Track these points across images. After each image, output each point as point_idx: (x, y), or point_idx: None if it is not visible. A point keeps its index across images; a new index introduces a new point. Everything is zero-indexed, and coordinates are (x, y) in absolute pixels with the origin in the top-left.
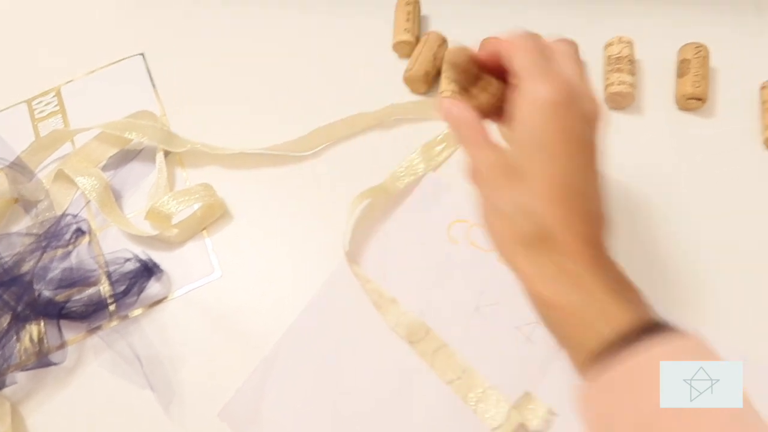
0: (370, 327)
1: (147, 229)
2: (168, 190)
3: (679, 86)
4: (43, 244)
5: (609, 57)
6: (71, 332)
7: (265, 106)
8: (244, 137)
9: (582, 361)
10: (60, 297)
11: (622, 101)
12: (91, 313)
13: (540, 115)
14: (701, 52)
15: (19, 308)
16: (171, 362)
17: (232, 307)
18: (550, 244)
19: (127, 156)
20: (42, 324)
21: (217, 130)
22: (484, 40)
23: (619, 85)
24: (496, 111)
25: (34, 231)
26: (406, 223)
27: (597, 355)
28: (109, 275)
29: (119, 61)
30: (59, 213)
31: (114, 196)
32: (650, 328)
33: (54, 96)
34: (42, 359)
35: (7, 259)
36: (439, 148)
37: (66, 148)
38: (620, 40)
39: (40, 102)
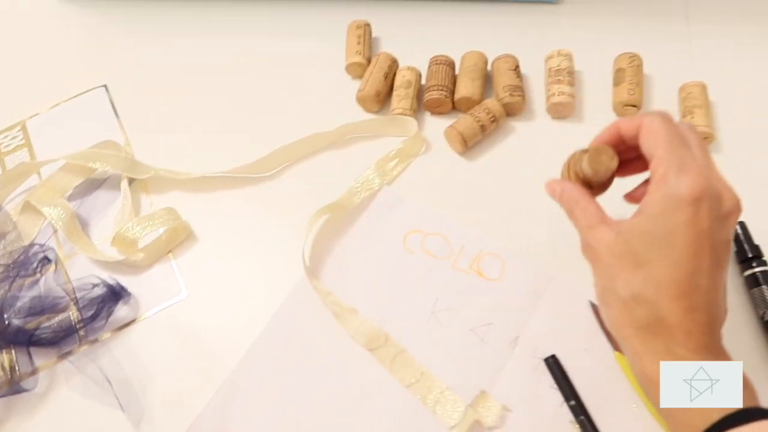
0: (331, 338)
1: (114, 254)
2: (133, 216)
3: (615, 94)
4: (12, 274)
5: (549, 69)
6: (42, 358)
7: (225, 130)
8: (206, 161)
9: None
10: (30, 325)
11: (563, 110)
12: (61, 339)
13: (674, 211)
14: (635, 61)
15: None
16: (140, 383)
17: (199, 326)
18: (663, 330)
19: (92, 185)
20: (13, 352)
21: (179, 155)
22: (620, 122)
23: (559, 95)
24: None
25: (3, 262)
26: (364, 235)
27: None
28: (77, 301)
29: (83, 93)
30: (27, 243)
31: (81, 224)
32: (756, 412)
33: (19, 130)
34: (14, 386)
35: None
36: (392, 163)
37: (33, 179)
38: (559, 53)
39: (6, 136)
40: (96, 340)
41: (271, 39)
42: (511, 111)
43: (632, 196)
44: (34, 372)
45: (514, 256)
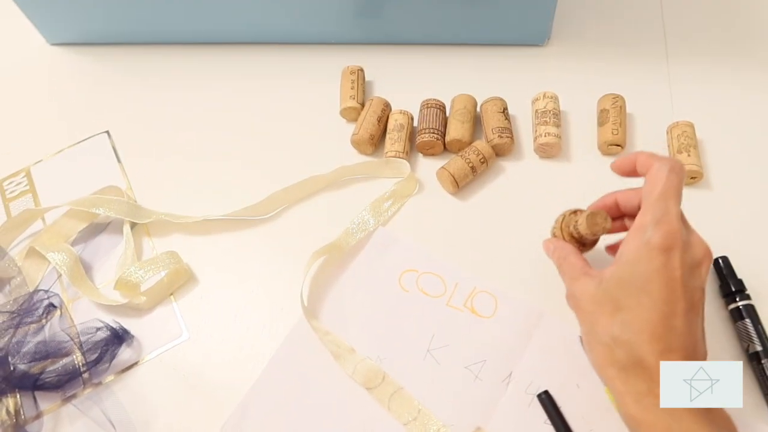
0: (330, 378)
1: (117, 297)
2: (135, 259)
3: (600, 134)
4: (17, 320)
5: (536, 111)
6: (46, 402)
7: (224, 173)
8: (206, 204)
9: None
10: (35, 369)
11: (551, 151)
12: (65, 383)
13: (648, 259)
14: (618, 102)
15: None
16: (144, 425)
17: (201, 367)
18: (642, 370)
19: (96, 229)
20: (18, 396)
21: (180, 198)
22: (617, 194)
23: (545, 136)
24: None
25: (8, 308)
26: (360, 275)
27: None
28: (81, 345)
29: (86, 139)
30: (32, 288)
31: (84, 269)
32: None
33: (24, 176)
34: (19, 430)
35: None
36: (386, 204)
37: (37, 225)
38: (545, 96)
39: (11, 182)
40: (100, 383)
41: (268, 84)
42: (500, 152)
43: (614, 249)
44: (38, 416)
45: (506, 293)
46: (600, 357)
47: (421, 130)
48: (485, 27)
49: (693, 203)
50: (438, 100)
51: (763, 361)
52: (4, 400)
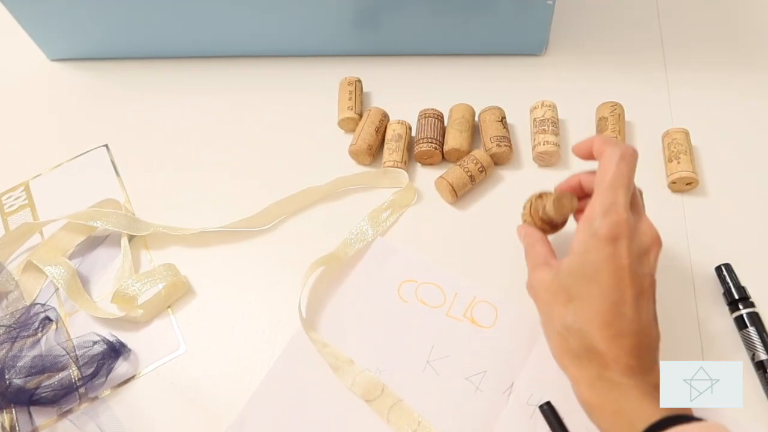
0: (329, 390)
1: (114, 311)
2: (133, 272)
3: None
4: (13, 334)
5: (534, 119)
6: (42, 417)
7: (222, 185)
8: (204, 216)
9: None
10: (30, 384)
11: (549, 159)
12: (61, 398)
13: (596, 250)
14: (616, 110)
15: None
16: None
17: (198, 380)
18: (594, 356)
19: (94, 242)
20: (13, 411)
21: (178, 211)
22: (581, 175)
23: (544, 145)
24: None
25: (4, 322)
26: (359, 286)
27: None
28: (77, 359)
29: (84, 153)
30: (29, 302)
31: (82, 282)
32: (677, 418)
33: (23, 190)
34: None
35: None
36: (385, 214)
37: (35, 238)
38: (543, 104)
39: (10, 197)
40: (96, 398)
41: (266, 96)
42: (498, 161)
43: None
44: (34, 431)
45: (506, 303)
46: (556, 346)
47: (419, 139)
48: (483, 37)
49: (692, 210)
50: (436, 110)
51: None
52: None
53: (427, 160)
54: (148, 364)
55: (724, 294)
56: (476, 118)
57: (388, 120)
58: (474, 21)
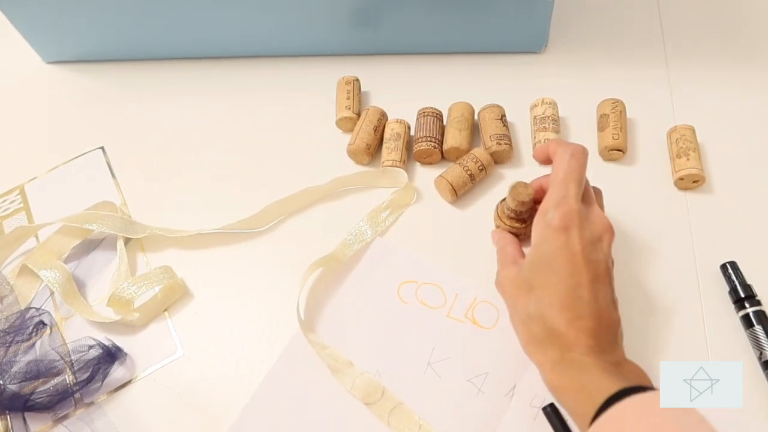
0: (328, 393)
1: (110, 314)
2: (129, 275)
3: (600, 139)
4: (8, 339)
5: (534, 117)
6: (37, 423)
7: (219, 186)
8: (202, 218)
9: (585, 430)
10: (25, 389)
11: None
12: (57, 403)
13: (551, 240)
14: (618, 106)
15: None
16: None
17: (196, 384)
18: (555, 339)
19: (89, 246)
20: (8, 418)
21: (175, 212)
22: (541, 179)
23: (544, 142)
24: None
25: None
26: (358, 287)
27: (593, 419)
28: (72, 364)
29: (80, 155)
30: (24, 306)
31: (78, 285)
32: (634, 389)
33: (18, 194)
34: None
35: None
36: (384, 214)
37: (30, 242)
38: (543, 102)
39: (5, 200)
40: (92, 403)
41: (263, 96)
42: (498, 159)
43: None
44: None
45: None
46: (522, 335)
47: (418, 138)
48: (481, 34)
49: (697, 207)
50: (435, 109)
51: None
52: None
53: (426, 159)
54: (145, 369)
55: (730, 292)
56: (476, 117)
57: (387, 119)
58: (472, 18)
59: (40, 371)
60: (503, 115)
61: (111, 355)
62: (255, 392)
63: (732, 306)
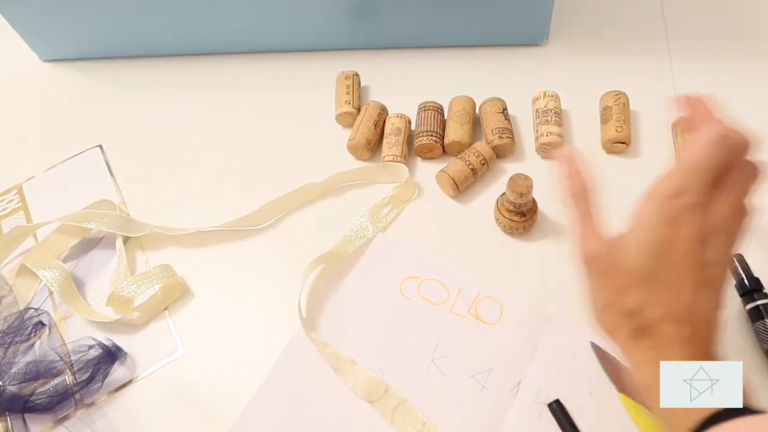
0: (330, 391)
1: (109, 314)
2: (128, 274)
3: (603, 132)
4: (7, 339)
5: (537, 110)
6: (37, 424)
7: (219, 183)
8: (201, 215)
9: None
10: (25, 390)
11: (553, 150)
12: (57, 404)
13: (655, 230)
14: (621, 98)
15: None
16: None
17: (196, 383)
18: (650, 336)
19: (88, 245)
20: (8, 419)
21: (174, 210)
22: None
23: (547, 135)
24: None
25: None
26: (360, 284)
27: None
28: (72, 364)
29: (78, 154)
30: (23, 306)
31: (77, 285)
32: (743, 410)
33: (16, 193)
34: None
35: None
36: (385, 210)
37: (29, 242)
38: (545, 95)
39: (2, 200)
40: (92, 404)
41: (262, 92)
42: (500, 153)
43: None
44: None
45: (511, 298)
46: (609, 321)
47: (419, 133)
48: (482, 27)
49: None
50: (436, 103)
51: None
52: None
53: (427, 154)
54: (145, 368)
55: (737, 285)
56: (477, 110)
57: (387, 114)
58: (473, 11)
59: (40, 372)
60: (505, 109)
61: (111, 355)
62: (257, 391)
63: (738, 299)
